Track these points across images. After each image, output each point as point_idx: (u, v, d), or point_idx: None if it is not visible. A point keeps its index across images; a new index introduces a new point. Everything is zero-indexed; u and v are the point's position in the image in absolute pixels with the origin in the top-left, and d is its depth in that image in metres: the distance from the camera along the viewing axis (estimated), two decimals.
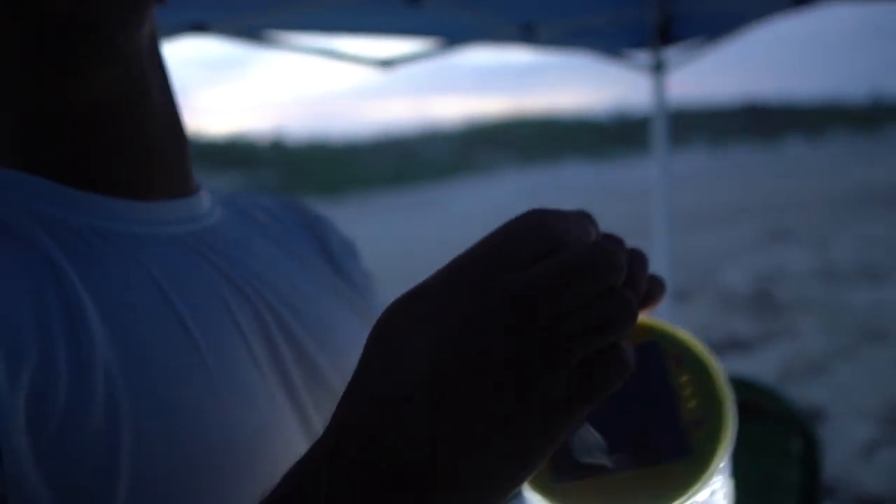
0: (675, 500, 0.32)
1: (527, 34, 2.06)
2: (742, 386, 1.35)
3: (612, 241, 0.33)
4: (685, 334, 0.36)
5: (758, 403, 1.28)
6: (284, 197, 0.60)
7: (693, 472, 0.33)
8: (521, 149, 23.11)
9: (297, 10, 1.75)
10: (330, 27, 1.90)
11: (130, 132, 0.44)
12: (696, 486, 0.32)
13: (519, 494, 0.33)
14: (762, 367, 4.27)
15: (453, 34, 2.05)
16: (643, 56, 2.27)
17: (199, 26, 1.70)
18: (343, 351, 0.48)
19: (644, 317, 0.35)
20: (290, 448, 0.41)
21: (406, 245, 9.99)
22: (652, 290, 0.34)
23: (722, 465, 0.33)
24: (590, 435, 0.32)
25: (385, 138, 26.57)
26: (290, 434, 0.43)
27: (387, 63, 1.89)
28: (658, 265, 2.33)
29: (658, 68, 2.26)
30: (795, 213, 10.30)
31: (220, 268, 0.46)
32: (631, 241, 0.33)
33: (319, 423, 0.45)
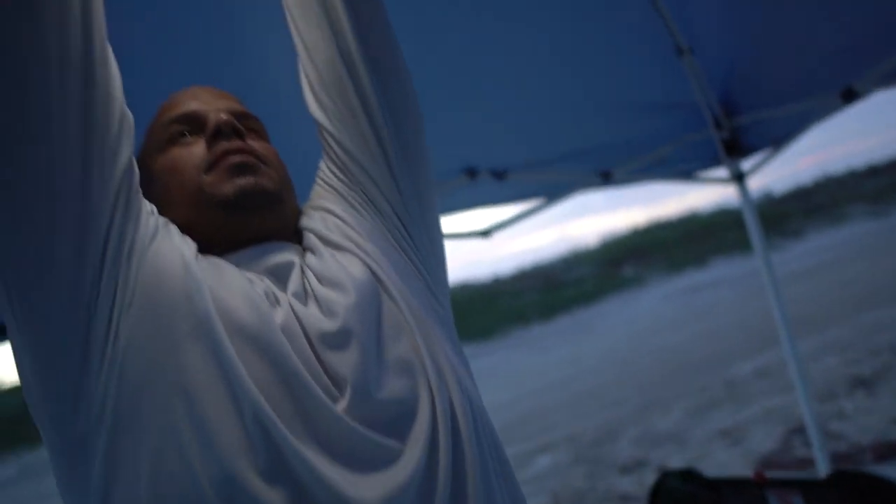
0: None
1: (605, 179, 2.34)
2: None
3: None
4: None
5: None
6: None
7: None
8: (663, 254, 22.53)
9: None
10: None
11: None
12: None
13: None
14: None
15: (549, 193, 2.39)
16: (721, 172, 2.44)
17: None
18: None
19: None
20: None
21: (565, 371, 9.94)
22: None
23: None
24: None
25: (531, 267, 27.22)
26: None
27: (485, 233, 2.23)
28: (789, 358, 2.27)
29: (739, 178, 2.42)
30: None
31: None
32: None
33: None
